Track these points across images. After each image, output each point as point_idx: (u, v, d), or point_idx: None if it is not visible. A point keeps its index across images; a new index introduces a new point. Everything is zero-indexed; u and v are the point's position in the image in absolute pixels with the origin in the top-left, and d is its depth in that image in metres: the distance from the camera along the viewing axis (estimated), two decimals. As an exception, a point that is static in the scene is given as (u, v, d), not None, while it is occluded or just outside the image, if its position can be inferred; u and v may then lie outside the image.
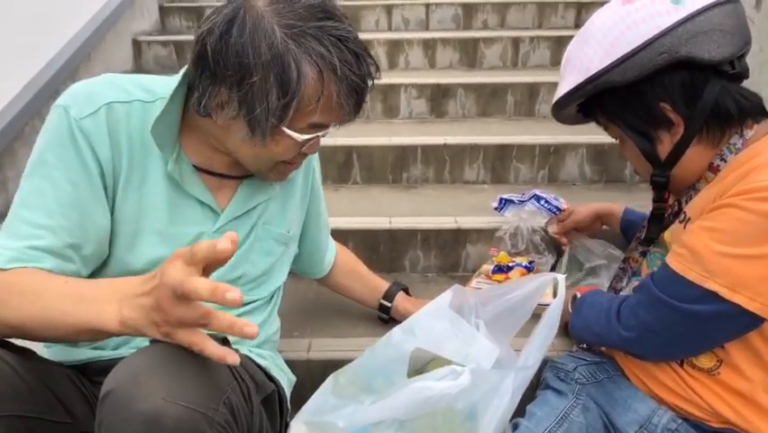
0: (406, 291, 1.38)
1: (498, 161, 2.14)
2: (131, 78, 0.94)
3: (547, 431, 0.92)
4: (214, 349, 0.67)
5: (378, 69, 0.88)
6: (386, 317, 1.35)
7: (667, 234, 0.98)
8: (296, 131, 0.85)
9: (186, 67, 0.88)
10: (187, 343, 0.67)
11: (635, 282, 1.07)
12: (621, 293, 1.10)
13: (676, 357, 0.91)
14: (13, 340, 0.83)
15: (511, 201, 1.64)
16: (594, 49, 0.90)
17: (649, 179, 0.96)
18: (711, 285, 0.81)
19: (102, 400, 0.67)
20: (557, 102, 0.99)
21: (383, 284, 1.36)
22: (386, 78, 2.72)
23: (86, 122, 0.85)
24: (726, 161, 0.88)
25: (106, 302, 0.71)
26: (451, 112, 2.65)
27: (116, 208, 0.90)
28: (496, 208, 1.66)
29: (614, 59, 0.87)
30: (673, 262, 0.86)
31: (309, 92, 0.81)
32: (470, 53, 3.11)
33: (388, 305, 1.33)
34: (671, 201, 1.00)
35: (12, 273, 0.79)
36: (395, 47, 3.11)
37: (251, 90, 0.80)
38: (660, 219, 1.01)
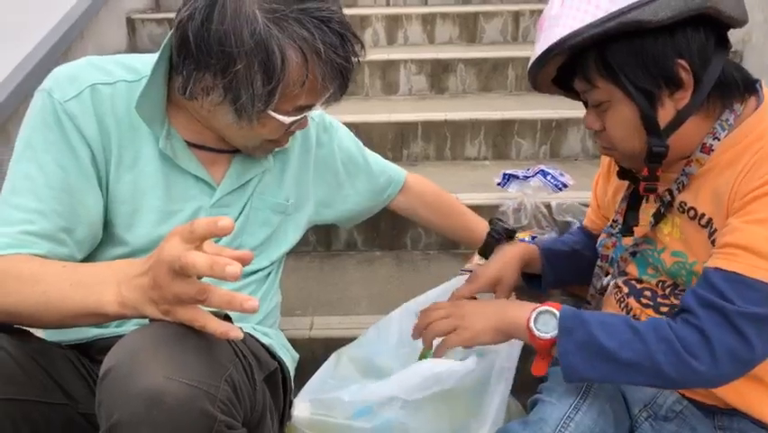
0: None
1: (500, 137, 2.11)
2: (114, 58, 0.92)
3: (574, 405, 0.87)
4: (215, 325, 0.66)
5: (363, 47, 0.87)
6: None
7: (668, 228, 0.90)
8: (282, 114, 0.85)
9: (165, 41, 0.86)
10: (188, 319, 0.66)
11: (620, 281, 0.99)
12: (607, 294, 1.02)
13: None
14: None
15: (515, 176, 1.62)
16: None
17: (640, 151, 0.85)
18: None
19: (101, 378, 0.66)
20: (562, 39, 0.81)
21: (480, 233, 1.23)
22: (385, 54, 2.71)
23: (71, 104, 0.84)
24: (719, 140, 0.83)
25: (105, 285, 0.71)
26: (451, 87, 2.61)
27: (111, 190, 0.89)
28: (499, 184, 1.64)
29: None
30: (732, 265, 0.76)
31: (294, 77, 0.81)
32: (469, 28, 3.06)
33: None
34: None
35: (6, 260, 0.78)
36: (393, 22, 3.05)
37: (235, 78, 0.79)
38: (639, 203, 0.93)
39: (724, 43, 0.83)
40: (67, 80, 0.86)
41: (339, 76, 0.84)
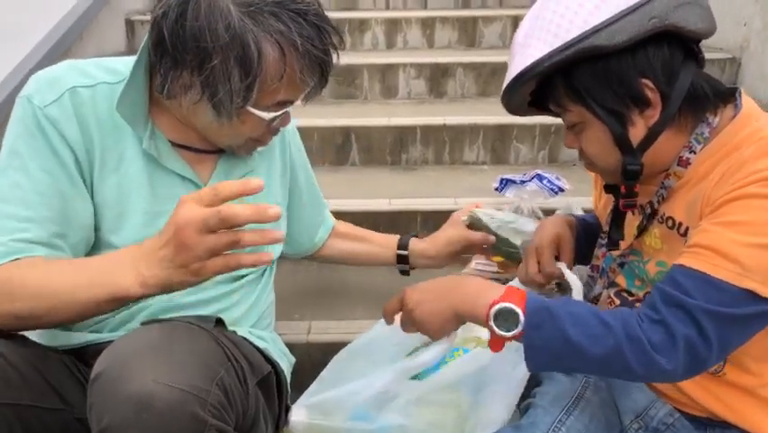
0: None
1: (499, 142, 2.12)
2: (95, 61, 0.92)
3: (566, 410, 0.88)
4: (249, 258, 0.71)
5: (341, 39, 0.86)
6: (407, 268, 1.26)
7: (650, 240, 0.90)
8: (261, 109, 0.84)
9: (144, 41, 0.86)
10: (222, 266, 0.70)
11: (611, 293, 0.98)
12: (600, 305, 0.99)
13: (711, 367, 0.79)
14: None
15: (512, 181, 1.62)
16: (574, 10, 0.80)
17: (618, 169, 0.85)
18: (748, 283, 0.73)
19: (92, 382, 0.67)
20: (525, 70, 0.82)
21: (393, 238, 1.27)
22: (384, 58, 2.71)
23: (51, 109, 0.84)
24: (695, 153, 0.83)
25: (122, 271, 0.73)
26: (450, 92, 2.61)
27: (96, 193, 0.89)
28: (496, 189, 1.64)
29: (600, 20, 0.79)
30: (696, 263, 0.75)
31: (271, 71, 0.80)
32: (469, 32, 3.07)
33: (405, 253, 1.23)
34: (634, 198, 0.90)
35: (6, 267, 0.77)
36: (393, 26, 3.06)
37: (212, 74, 0.79)
38: (623, 218, 0.92)
39: (693, 55, 0.82)
40: (46, 85, 0.85)
41: (318, 68, 0.83)
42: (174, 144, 0.92)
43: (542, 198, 1.53)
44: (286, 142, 1.11)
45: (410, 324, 0.88)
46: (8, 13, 2.28)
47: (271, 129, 0.92)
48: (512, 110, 0.93)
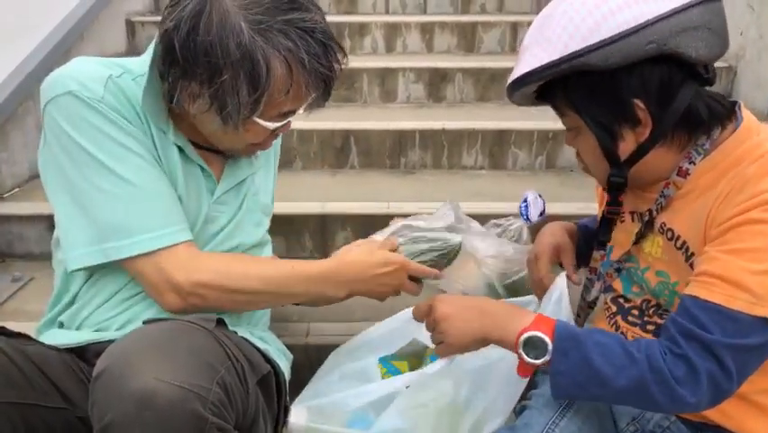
0: None
1: (497, 147, 2.13)
2: (101, 59, 0.93)
3: (560, 412, 0.88)
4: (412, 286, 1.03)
5: (345, 54, 0.89)
6: None
7: (648, 247, 0.91)
8: (267, 120, 0.87)
9: (153, 43, 0.87)
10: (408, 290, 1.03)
11: (608, 299, 0.99)
12: (597, 309, 1.02)
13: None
14: (8, 326, 0.82)
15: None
16: (576, 24, 0.80)
17: (605, 178, 0.87)
18: (759, 311, 0.73)
19: (94, 380, 0.67)
20: (519, 78, 0.86)
21: None
22: (384, 62, 2.72)
23: (108, 99, 0.86)
24: (694, 164, 0.83)
25: (338, 288, 0.98)
26: (449, 97, 2.63)
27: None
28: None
29: (597, 39, 0.78)
30: (709, 294, 0.75)
31: (279, 86, 0.83)
32: (468, 37, 3.09)
33: None
34: (632, 208, 0.93)
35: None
36: (392, 30, 3.07)
37: (221, 87, 0.81)
38: (612, 223, 0.94)
39: (696, 75, 0.81)
40: (86, 78, 0.86)
41: (322, 84, 0.86)
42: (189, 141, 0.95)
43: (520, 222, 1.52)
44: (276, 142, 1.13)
45: (434, 332, 0.90)
46: (9, 13, 2.28)
47: (273, 135, 0.95)
48: (515, 101, 0.94)
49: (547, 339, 0.79)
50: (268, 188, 1.11)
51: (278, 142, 1.14)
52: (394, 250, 1.03)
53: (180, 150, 0.93)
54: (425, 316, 0.92)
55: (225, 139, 0.92)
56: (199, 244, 0.95)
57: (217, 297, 0.89)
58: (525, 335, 0.80)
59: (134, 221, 0.85)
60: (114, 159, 0.85)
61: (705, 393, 0.75)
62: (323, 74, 0.85)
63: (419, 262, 1.04)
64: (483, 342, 0.86)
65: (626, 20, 0.77)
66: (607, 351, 0.78)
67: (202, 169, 0.96)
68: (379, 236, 1.08)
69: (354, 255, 0.99)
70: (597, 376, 0.77)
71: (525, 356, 0.80)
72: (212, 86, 0.81)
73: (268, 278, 0.93)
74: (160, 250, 0.85)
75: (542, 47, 0.83)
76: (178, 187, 0.93)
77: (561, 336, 0.79)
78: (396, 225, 1.10)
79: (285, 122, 0.90)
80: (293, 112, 0.90)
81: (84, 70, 0.87)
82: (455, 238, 1.09)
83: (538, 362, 0.79)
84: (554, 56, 0.81)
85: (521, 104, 0.94)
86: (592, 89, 0.82)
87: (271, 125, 0.88)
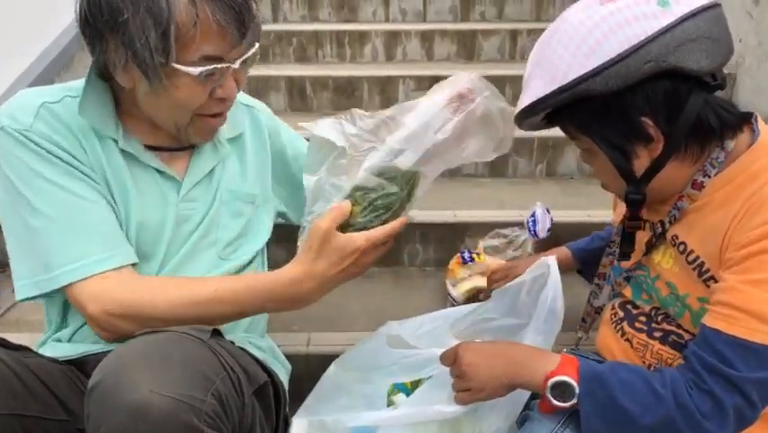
0: None
1: (497, 155, 2.13)
2: (49, 87, 0.95)
3: (562, 423, 0.87)
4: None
5: None
6: None
7: (659, 258, 0.91)
8: (187, 65, 0.83)
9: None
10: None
11: (616, 304, 1.00)
12: (603, 314, 1.02)
13: None
14: (9, 338, 0.82)
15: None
16: (572, 52, 0.79)
17: (623, 195, 0.88)
18: None
19: (89, 391, 0.67)
20: (524, 110, 0.86)
21: None
22: (384, 70, 2.73)
23: (37, 126, 0.86)
24: (709, 177, 0.83)
25: (277, 306, 0.90)
26: (449, 104, 2.63)
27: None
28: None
29: (595, 65, 0.78)
30: (731, 328, 0.76)
31: (183, 17, 0.80)
32: (467, 45, 3.10)
33: None
34: (645, 217, 0.93)
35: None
36: (392, 38, 3.08)
37: (127, 28, 0.80)
38: (633, 236, 0.93)
39: (703, 83, 0.80)
40: (16, 110, 0.88)
41: (231, 11, 0.81)
42: (146, 147, 0.95)
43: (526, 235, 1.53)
44: (261, 128, 1.11)
45: (460, 379, 0.89)
46: (9, 25, 2.29)
47: (213, 97, 0.90)
48: (526, 129, 0.96)
49: (573, 383, 0.80)
50: (253, 175, 1.07)
51: (266, 120, 1.11)
52: (348, 216, 0.86)
53: (133, 157, 0.92)
54: (451, 363, 0.91)
55: (162, 107, 0.89)
56: (175, 246, 0.95)
57: (130, 326, 0.84)
58: (552, 380, 0.81)
59: (54, 255, 0.85)
60: (37, 193, 0.85)
61: (731, 425, 0.76)
62: None
63: (380, 214, 0.88)
64: (510, 388, 0.87)
65: (621, 43, 0.77)
66: (631, 389, 0.79)
67: (160, 172, 0.95)
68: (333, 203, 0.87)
69: (301, 269, 0.87)
70: (624, 415, 0.78)
71: (553, 400, 0.81)
72: (119, 29, 0.80)
73: (177, 303, 0.86)
74: (77, 282, 0.85)
75: (542, 78, 0.83)
76: (130, 198, 0.92)
77: (585, 376, 0.80)
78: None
79: (211, 67, 0.84)
80: (218, 59, 0.84)
81: (16, 103, 0.89)
82: (403, 163, 0.93)
83: (566, 405, 0.80)
84: (554, 86, 0.81)
85: (532, 130, 0.95)
86: (599, 113, 0.82)
87: (194, 70, 0.83)
